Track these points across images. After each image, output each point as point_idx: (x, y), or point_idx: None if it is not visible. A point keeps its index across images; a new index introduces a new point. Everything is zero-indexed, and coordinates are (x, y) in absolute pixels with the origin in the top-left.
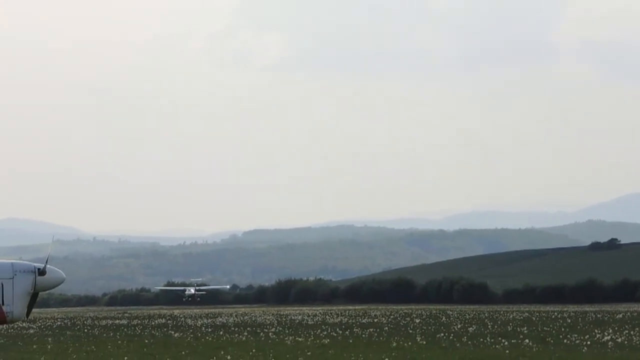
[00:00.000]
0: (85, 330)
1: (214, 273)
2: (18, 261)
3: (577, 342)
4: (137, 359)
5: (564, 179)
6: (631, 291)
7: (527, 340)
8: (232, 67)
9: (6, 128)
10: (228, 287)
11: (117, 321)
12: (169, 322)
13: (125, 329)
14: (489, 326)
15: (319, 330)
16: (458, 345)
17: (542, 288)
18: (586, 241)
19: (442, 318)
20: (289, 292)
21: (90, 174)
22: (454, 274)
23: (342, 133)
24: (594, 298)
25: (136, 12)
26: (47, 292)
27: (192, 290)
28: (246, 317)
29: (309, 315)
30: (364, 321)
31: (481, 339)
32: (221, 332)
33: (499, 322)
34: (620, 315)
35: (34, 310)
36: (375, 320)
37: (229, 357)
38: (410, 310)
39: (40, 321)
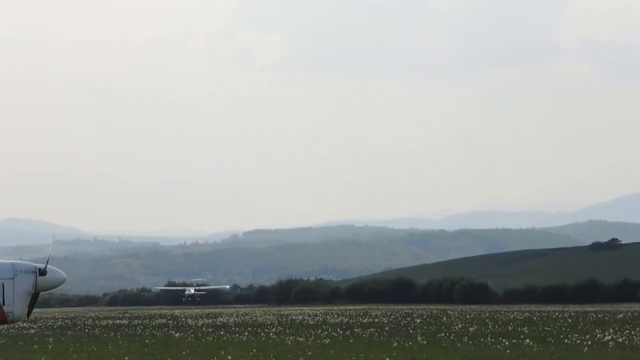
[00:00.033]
0: (86, 330)
1: (214, 273)
2: (19, 261)
3: (578, 342)
4: (138, 359)
5: (564, 179)
6: (632, 291)
7: (527, 340)
8: (232, 67)
9: (6, 128)
10: (228, 287)
11: (117, 321)
12: (169, 322)
13: (126, 329)
14: (490, 326)
15: (319, 330)
16: (459, 345)
17: (543, 288)
18: (587, 241)
19: (442, 318)
20: (289, 292)
21: (91, 174)
22: (454, 274)
23: (342, 133)
24: (594, 298)
25: (136, 12)
26: (48, 292)
27: (192, 290)
28: (247, 317)
29: (309, 315)
30: (364, 321)
31: (482, 339)
32: (222, 332)
33: (500, 322)
34: (621, 315)
35: (34, 310)
36: (376, 320)
37: (229, 357)
38: (411, 310)
39: (41, 321)
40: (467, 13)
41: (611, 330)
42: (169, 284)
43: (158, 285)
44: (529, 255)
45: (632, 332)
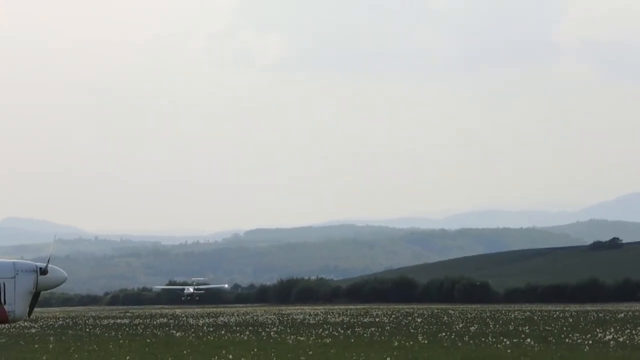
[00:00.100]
0: (87, 330)
1: (215, 272)
2: (20, 260)
3: (579, 341)
4: (139, 358)
5: (564, 179)
6: (633, 290)
7: (528, 340)
8: (232, 67)
9: (6, 128)
10: (226, 285)
11: (118, 320)
12: (170, 321)
13: (127, 329)
14: (491, 325)
15: (320, 330)
16: (460, 344)
17: (544, 287)
18: (588, 240)
19: (443, 317)
20: (290, 291)
21: (91, 173)
22: (455, 274)
23: (342, 133)
24: (595, 297)
25: (136, 12)
26: (49, 291)
27: (191, 289)
28: (248, 317)
29: (310, 315)
30: (365, 320)
31: (483, 338)
32: (223, 332)
33: (501, 322)
34: (622, 315)
35: (35, 309)
36: (377, 319)
37: (230, 357)
38: (411, 310)
39: (42, 320)
40: (467, 13)
41: (612, 330)
42: (170, 284)
43: (159, 285)
44: (530, 254)
45: (633, 332)
